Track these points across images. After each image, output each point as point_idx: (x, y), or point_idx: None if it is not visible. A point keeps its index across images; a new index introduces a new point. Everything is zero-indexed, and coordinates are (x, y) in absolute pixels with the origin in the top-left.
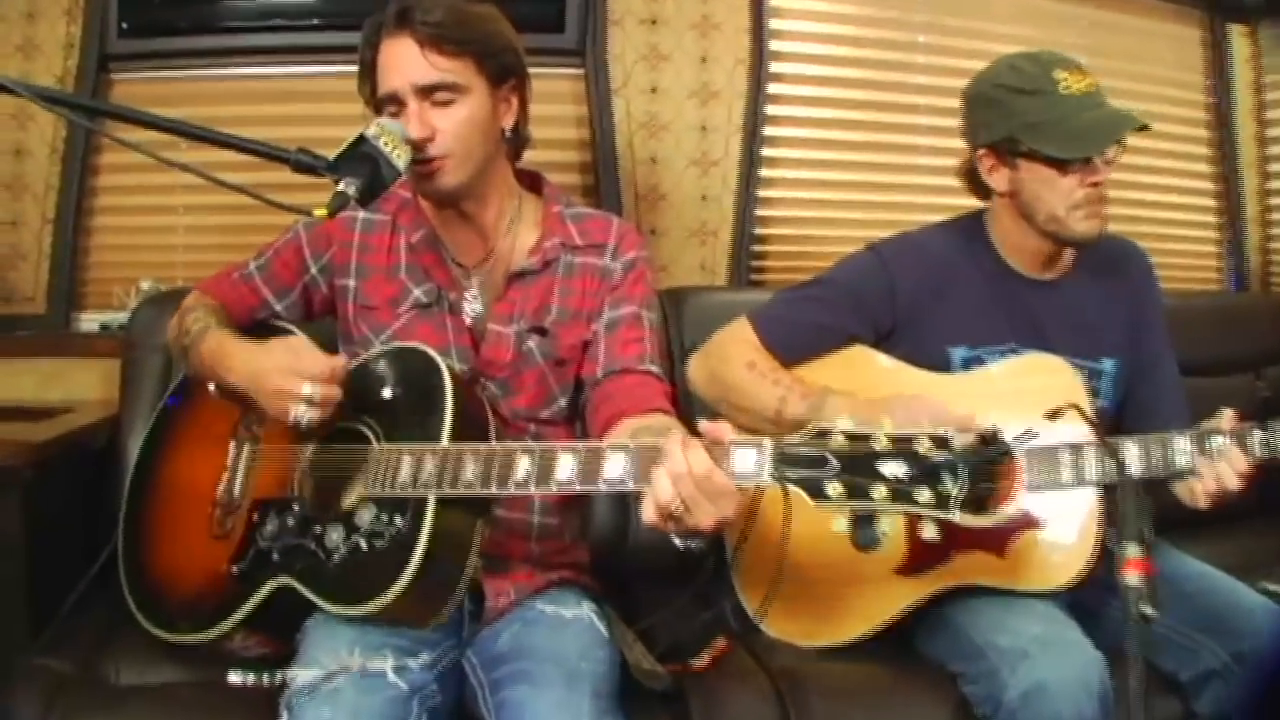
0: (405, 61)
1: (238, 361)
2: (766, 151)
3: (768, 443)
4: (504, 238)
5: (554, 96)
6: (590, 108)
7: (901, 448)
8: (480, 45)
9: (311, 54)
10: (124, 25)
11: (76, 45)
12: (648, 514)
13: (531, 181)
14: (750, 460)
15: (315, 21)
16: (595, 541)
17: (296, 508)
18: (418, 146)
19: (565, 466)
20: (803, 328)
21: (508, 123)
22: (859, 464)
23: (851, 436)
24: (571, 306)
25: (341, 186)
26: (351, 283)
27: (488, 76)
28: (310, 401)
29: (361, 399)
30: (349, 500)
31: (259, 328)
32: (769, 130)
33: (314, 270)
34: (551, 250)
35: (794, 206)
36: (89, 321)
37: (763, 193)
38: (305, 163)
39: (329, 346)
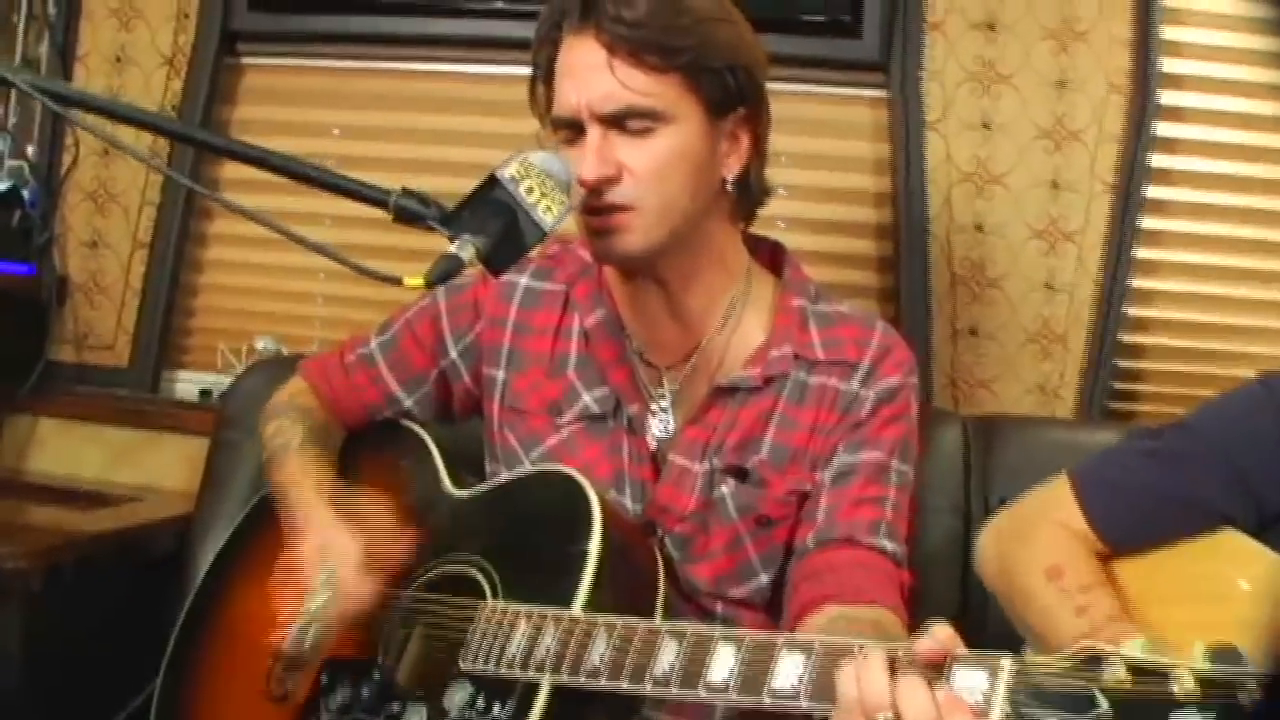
0: (585, 74)
1: (298, 522)
2: (1149, 223)
3: (1007, 664)
4: (717, 333)
5: (841, 128)
6: (893, 147)
7: (1216, 695)
8: (696, 57)
9: (497, 49)
10: None
11: (193, 15)
12: None
13: (770, 255)
14: (977, 687)
15: (500, 5)
16: None
17: (377, 675)
18: (594, 189)
19: (721, 664)
20: (1144, 499)
21: (732, 169)
22: (1143, 713)
23: (1138, 670)
24: (791, 444)
25: (455, 247)
26: (500, 374)
27: (704, 101)
28: (311, 620)
29: (483, 536)
30: (441, 673)
31: (385, 431)
32: (1154, 191)
33: (454, 352)
34: (779, 362)
35: (1188, 306)
36: (185, 384)
37: (1140, 282)
38: (409, 210)
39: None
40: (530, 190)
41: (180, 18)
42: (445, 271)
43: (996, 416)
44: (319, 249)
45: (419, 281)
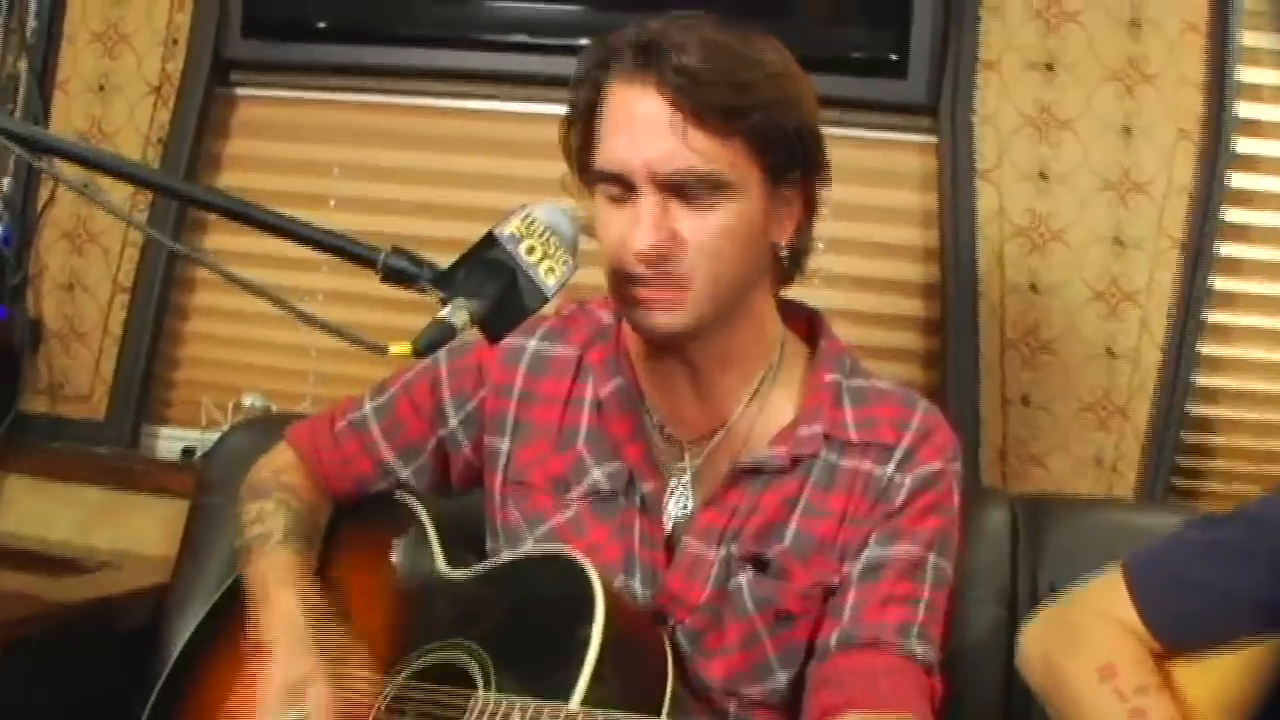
0: (644, 130)
1: (267, 634)
2: (1221, 283)
3: None
4: (745, 408)
5: (885, 176)
6: (941, 198)
7: None
8: (764, 119)
9: (514, 84)
10: (249, 21)
11: (183, 41)
12: None
13: (805, 323)
14: None
15: (523, 38)
16: None
17: None
18: (649, 260)
19: None
20: (1201, 596)
21: (786, 233)
22: None
23: None
24: (817, 533)
25: (446, 312)
26: (504, 445)
27: (765, 168)
28: None
29: (477, 621)
30: None
31: (377, 504)
32: (1228, 249)
33: (454, 421)
34: (808, 442)
35: (1264, 376)
36: (167, 441)
37: (1211, 349)
38: (400, 270)
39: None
40: (531, 250)
41: (169, 44)
42: (435, 339)
43: (1047, 496)
44: (297, 313)
45: (406, 349)
